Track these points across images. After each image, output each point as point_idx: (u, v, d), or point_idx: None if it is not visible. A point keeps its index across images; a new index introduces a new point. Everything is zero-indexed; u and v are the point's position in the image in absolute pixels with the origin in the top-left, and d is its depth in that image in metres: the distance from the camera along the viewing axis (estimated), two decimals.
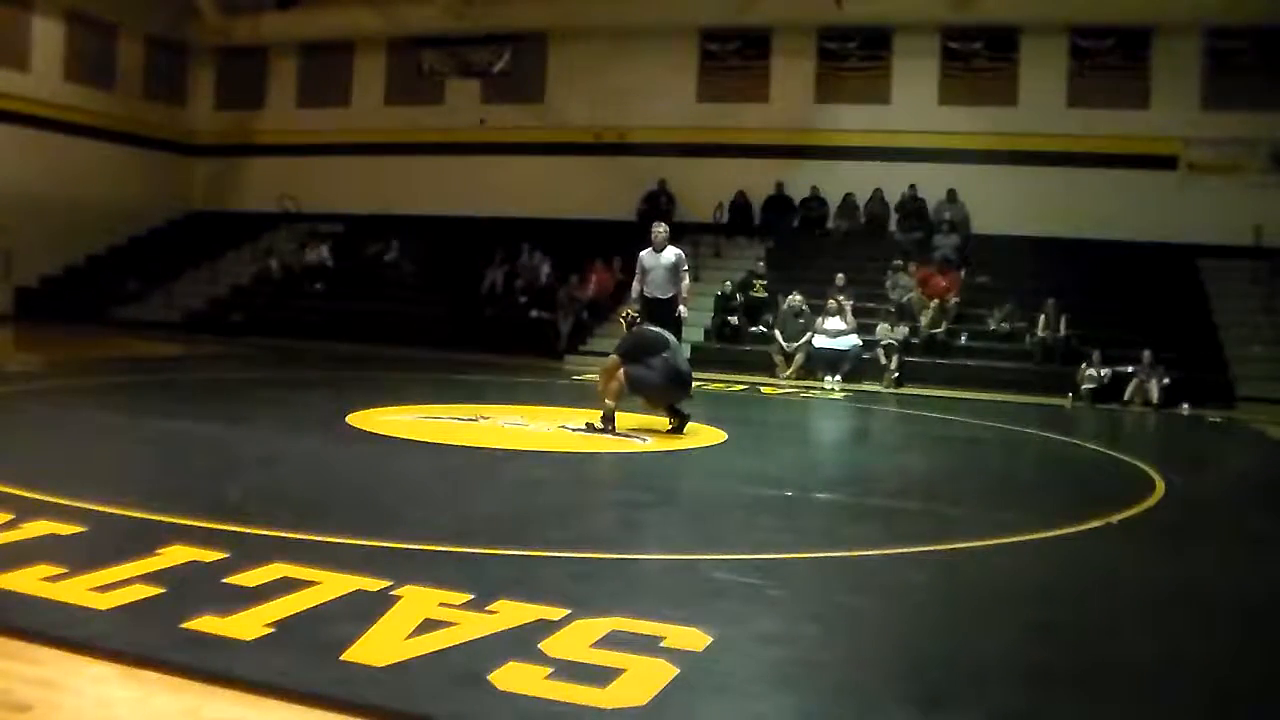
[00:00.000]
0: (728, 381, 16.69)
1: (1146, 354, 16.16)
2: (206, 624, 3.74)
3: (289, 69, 26.84)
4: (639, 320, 10.18)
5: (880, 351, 17.58)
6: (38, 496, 5.51)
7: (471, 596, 4.15)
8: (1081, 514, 6.74)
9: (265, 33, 26.27)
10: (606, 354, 10.60)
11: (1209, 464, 11.81)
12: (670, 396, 9.75)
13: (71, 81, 23.98)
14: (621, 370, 9.50)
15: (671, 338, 9.94)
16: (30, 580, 4.13)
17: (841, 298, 18.16)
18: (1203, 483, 9.75)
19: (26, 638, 3.59)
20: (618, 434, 9.37)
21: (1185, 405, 15.77)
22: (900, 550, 5.71)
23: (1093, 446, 11.67)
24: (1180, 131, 20.22)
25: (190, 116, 27.48)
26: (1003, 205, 20.81)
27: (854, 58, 22.50)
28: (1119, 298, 18.30)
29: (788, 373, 17.67)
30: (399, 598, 4.12)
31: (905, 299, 18.99)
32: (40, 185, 22.43)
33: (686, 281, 12.91)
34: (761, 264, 20.46)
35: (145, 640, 3.59)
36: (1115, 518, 6.75)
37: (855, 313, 18.15)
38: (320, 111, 26.07)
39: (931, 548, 5.80)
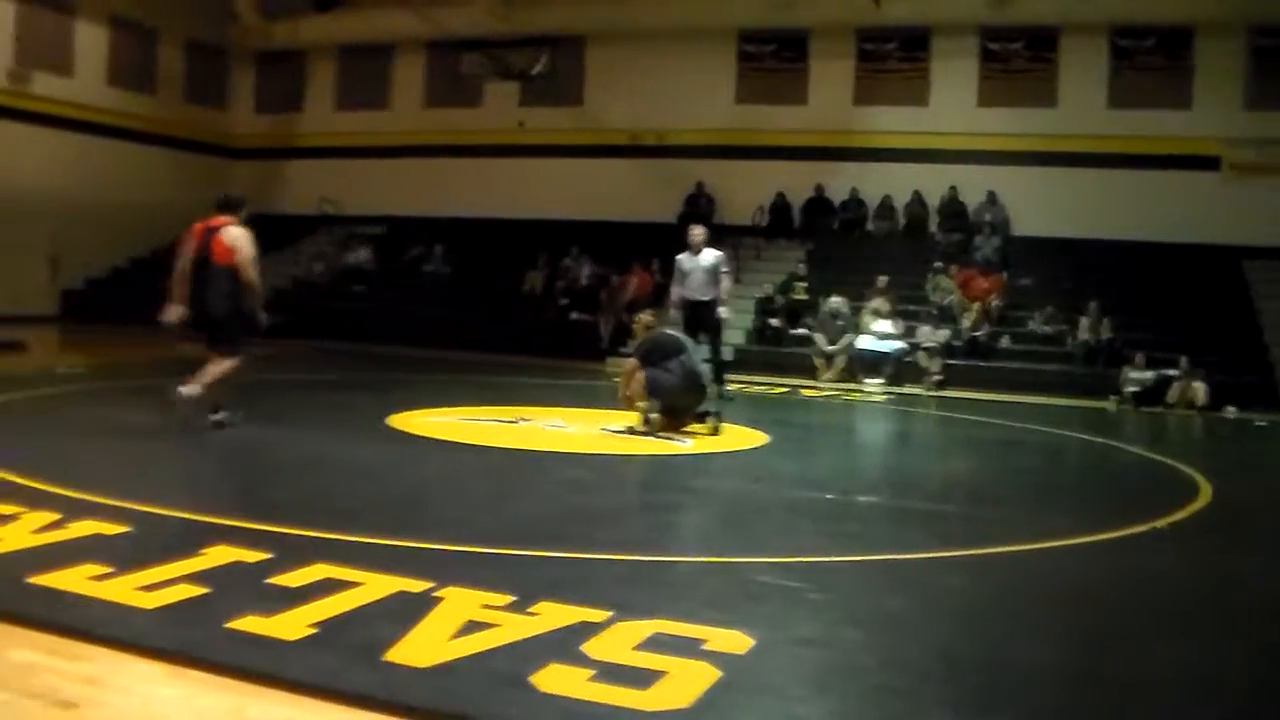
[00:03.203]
0: (768, 384, 16.63)
1: (1184, 359, 15.93)
2: (250, 624, 3.77)
3: (328, 72, 26.98)
4: (654, 325, 10.26)
5: (921, 354, 17.45)
6: (84, 497, 5.58)
7: (514, 598, 4.16)
8: (1125, 519, 6.66)
9: (304, 36, 26.44)
10: None
11: (1256, 468, 11.63)
12: (688, 400, 9.75)
13: (114, 86, 24.19)
14: (640, 373, 9.55)
15: (687, 340, 10.00)
16: (77, 579, 4.18)
17: (885, 300, 18.05)
18: (1249, 487, 9.60)
19: (73, 636, 3.63)
20: (658, 436, 9.36)
21: (1231, 408, 15.54)
22: (941, 554, 5.66)
23: (1136, 450, 11.54)
24: (1223, 132, 19.89)
25: (230, 120, 27.68)
26: (1043, 207, 20.61)
27: (892, 59, 22.32)
28: (1162, 300, 18.06)
29: (828, 375, 17.58)
30: (441, 599, 4.14)
31: (946, 301, 18.84)
32: (84, 189, 22.70)
33: (727, 283, 12.87)
34: (802, 266, 20.38)
35: (190, 639, 3.62)
36: (1162, 523, 6.66)
37: (896, 315, 18.04)
38: (359, 114, 26.20)
39: (973, 552, 5.76)
